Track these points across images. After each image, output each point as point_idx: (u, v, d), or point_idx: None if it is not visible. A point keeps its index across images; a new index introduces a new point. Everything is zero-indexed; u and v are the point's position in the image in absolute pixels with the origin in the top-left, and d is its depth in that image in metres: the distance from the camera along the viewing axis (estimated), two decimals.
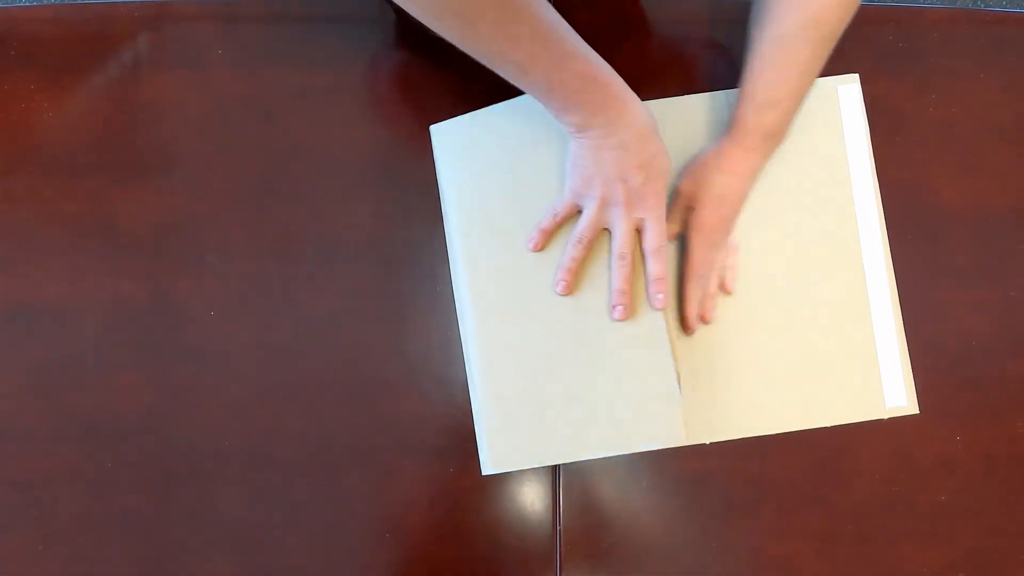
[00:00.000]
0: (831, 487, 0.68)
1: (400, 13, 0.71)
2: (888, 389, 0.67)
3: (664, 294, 0.63)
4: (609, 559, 0.67)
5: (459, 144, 0.69)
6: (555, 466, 0.68)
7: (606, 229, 0.65)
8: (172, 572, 0.66)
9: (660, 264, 0.63)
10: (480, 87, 0.69)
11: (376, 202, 0.69)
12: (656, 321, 0.65)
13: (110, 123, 0.70)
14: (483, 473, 0.65)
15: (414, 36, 0.72)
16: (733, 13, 0.73)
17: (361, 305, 0.68)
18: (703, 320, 0.67)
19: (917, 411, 0.68)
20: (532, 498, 0.67)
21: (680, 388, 0.65)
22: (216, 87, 0.70)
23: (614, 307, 0.64)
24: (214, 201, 0.69)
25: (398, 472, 0.67)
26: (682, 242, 0.67)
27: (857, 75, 0.71)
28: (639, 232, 0.64)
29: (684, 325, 0.66)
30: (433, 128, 0.69)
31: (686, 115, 0.70)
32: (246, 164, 0.70)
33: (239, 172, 0.70)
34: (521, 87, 0.57)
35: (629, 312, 0.64)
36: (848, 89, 0.71)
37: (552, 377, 0.65)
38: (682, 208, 0.66)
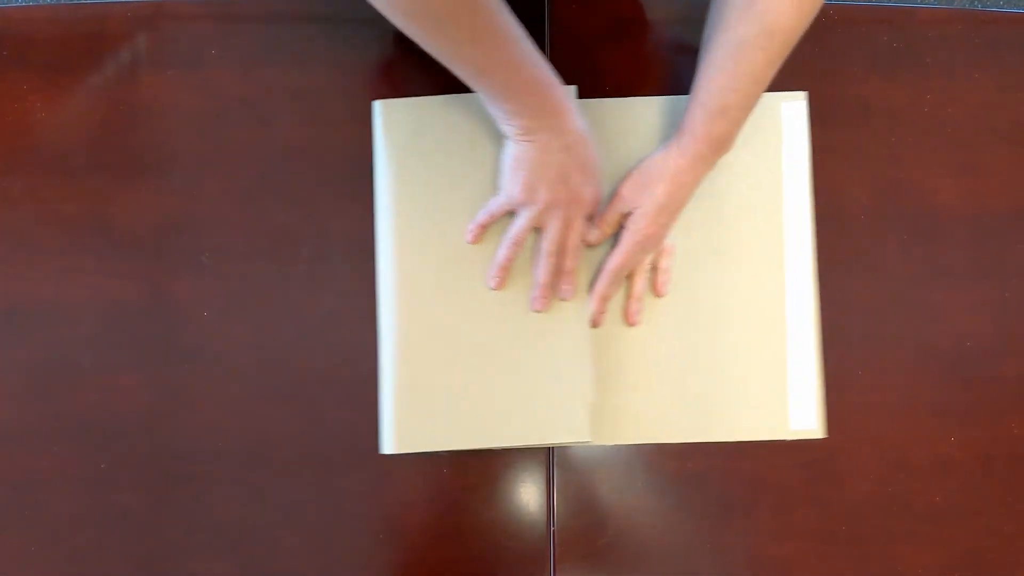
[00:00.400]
0: (827, 487, 0.68)
1: None
2: (795, 410, 0.67)
3: (571, 286, 0.65)
4: (603, 560, 0.67)
5: (406, 124, 0.68)
6: (550, 466, 0.68)
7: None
8: (169, 572, 0.66)
9: (575, 260, 0.65)
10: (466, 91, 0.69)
11: (372, 202, 0.69)
12: (580, 320, 0.66)
13: (106, 123, 0.70)
14: (382, 451, 0.65)
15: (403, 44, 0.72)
16: None
17: (357, 305, 0.68)
18: (629, 323, 0.68)
19: (825, 435, 0.67)
20: (527, 499, 0.67)
21: (593, 388, 0.65)
22: (212, 87, 0.70)
23: (535, 299, 0.65)
24: (211, 201, 0.69)
25: (393, 473, 0.67)
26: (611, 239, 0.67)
27: (805, 93, 0.70)
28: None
29: (593, 319, 0.67)
30: (378, 103, 0.69)
31: (635, 117, 0.70)
32: (243, 164, 0.70)
33: (236, 172, 0.70)
34: (478, 88, 0.58)
35: (548, 304, 0.65)
36: (792, 106, 0.70)
37: (469, 364, 0.65)
38: (620, 212, 0.66)
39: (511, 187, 0.63)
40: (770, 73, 0.60)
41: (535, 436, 0.65)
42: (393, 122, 0.68)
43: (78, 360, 0.67)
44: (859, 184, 0.71)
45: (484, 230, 0.66)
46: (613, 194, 0.66)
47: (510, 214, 0.65)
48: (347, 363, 0.68)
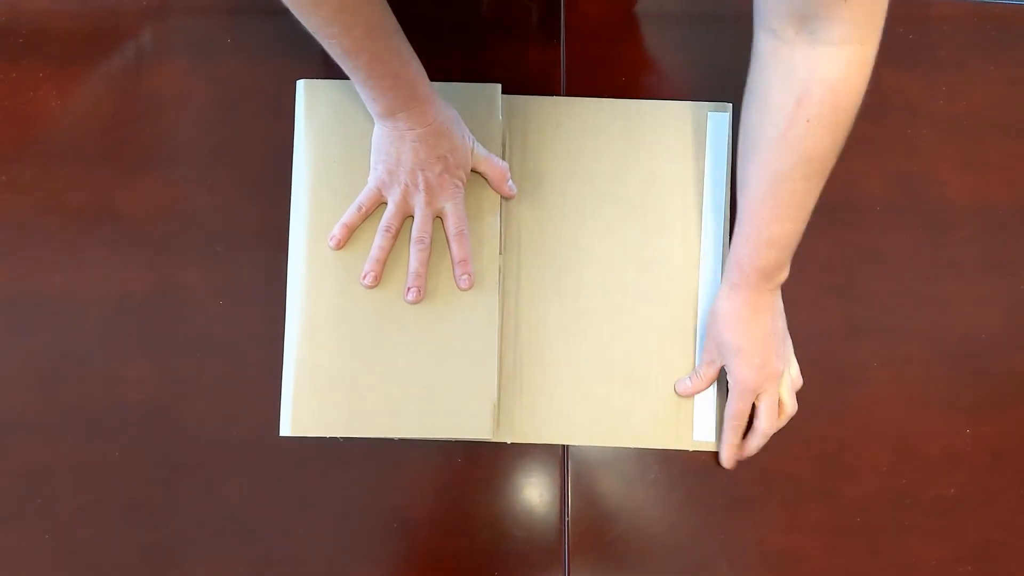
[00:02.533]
0: (838, 480, 0.68)
1: None
2: (698, 421, 0.67)
3: (468, 275, 0.66)
4: (616, 551, 0.67)
5: (328, 106, 0.68)
6: (564, 458, 0.68)
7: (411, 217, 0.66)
8: (178, 562, 0.66)
9: (462, 247, 0.65)
10: (475, 78, 0.69)
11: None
12: (488, 317, 0.66)
13: (117, 113, 0.70)
14: (281, 434, 0.65)
15: (417, 31, 0.72)
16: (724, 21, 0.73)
17: None
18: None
19: None
20: (539, 490, 0.67)
21: (498, 385, 0.66)
22: (224, 77, 0.70)
23: (408, 289, 0.65)
24: (221, 191, 0.69)
25: (405, 463, 0.67)
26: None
27: (730, 105, 0.71)
28: (441, 219, 0.66)
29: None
30: (301, 83, 0.69)
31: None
32: (253, 154, 0.70)
33: (246, 162, 0.70)
34: (343, 68, 0.59)
35: (422, 295, 0.65)
36: (718, 117, 0.70)
37: (375, 351, 0.65)
38: (711, 365, 0.66)
39: (376, 171, 0.65)
40: (812, 198, 0.58)
41: (437, 430, 0.65)
42: (316, 103, 0.68)
43: (88, 350, 0.67)
44: (873, 176, 0.71)
45: (351, 231, 0.66)
46: (703, 350, 0.66)
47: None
48: None
